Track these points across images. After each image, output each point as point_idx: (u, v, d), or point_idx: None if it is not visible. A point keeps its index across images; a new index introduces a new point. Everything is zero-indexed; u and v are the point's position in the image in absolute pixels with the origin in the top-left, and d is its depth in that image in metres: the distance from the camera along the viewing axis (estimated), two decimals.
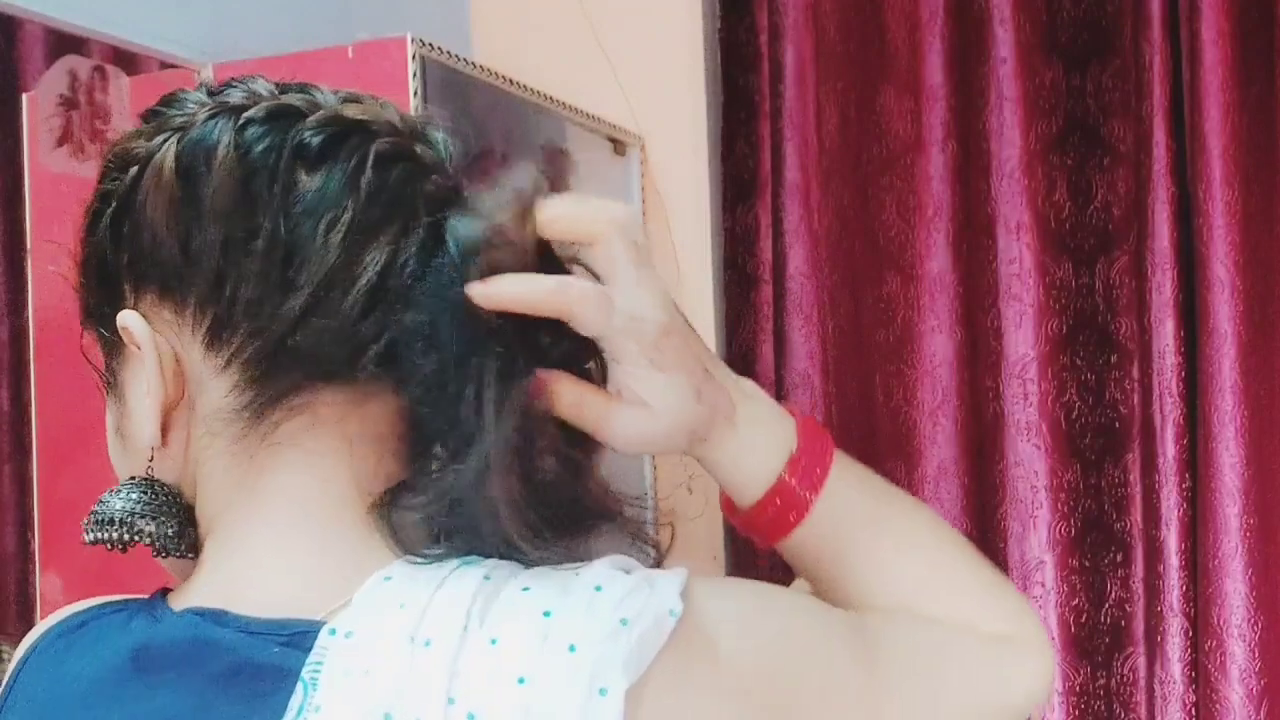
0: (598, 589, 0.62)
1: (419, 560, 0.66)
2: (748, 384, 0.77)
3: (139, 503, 0.69)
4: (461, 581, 0.63)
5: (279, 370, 0.67)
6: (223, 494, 0.69)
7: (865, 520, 0.79)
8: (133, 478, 0.71)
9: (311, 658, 0.61)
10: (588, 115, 2.33)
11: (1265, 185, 2.15)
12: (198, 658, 0.65)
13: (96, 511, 0.70)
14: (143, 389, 0.69)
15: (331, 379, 0.67)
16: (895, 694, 0.72)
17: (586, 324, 0.67)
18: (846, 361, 2.38)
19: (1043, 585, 2.27)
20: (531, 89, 2.16)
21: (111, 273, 0.71)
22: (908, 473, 2.35)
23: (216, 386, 0.68)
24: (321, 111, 0.70)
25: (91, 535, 0.70)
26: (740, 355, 2.43)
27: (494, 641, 0.60)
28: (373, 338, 0.67)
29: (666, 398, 0.69)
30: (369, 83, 1.77)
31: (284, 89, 0.72)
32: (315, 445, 0.68)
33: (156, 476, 0.70)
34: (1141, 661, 2.23)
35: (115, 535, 0.69)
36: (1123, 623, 2.26)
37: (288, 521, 0.68)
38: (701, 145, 2.46)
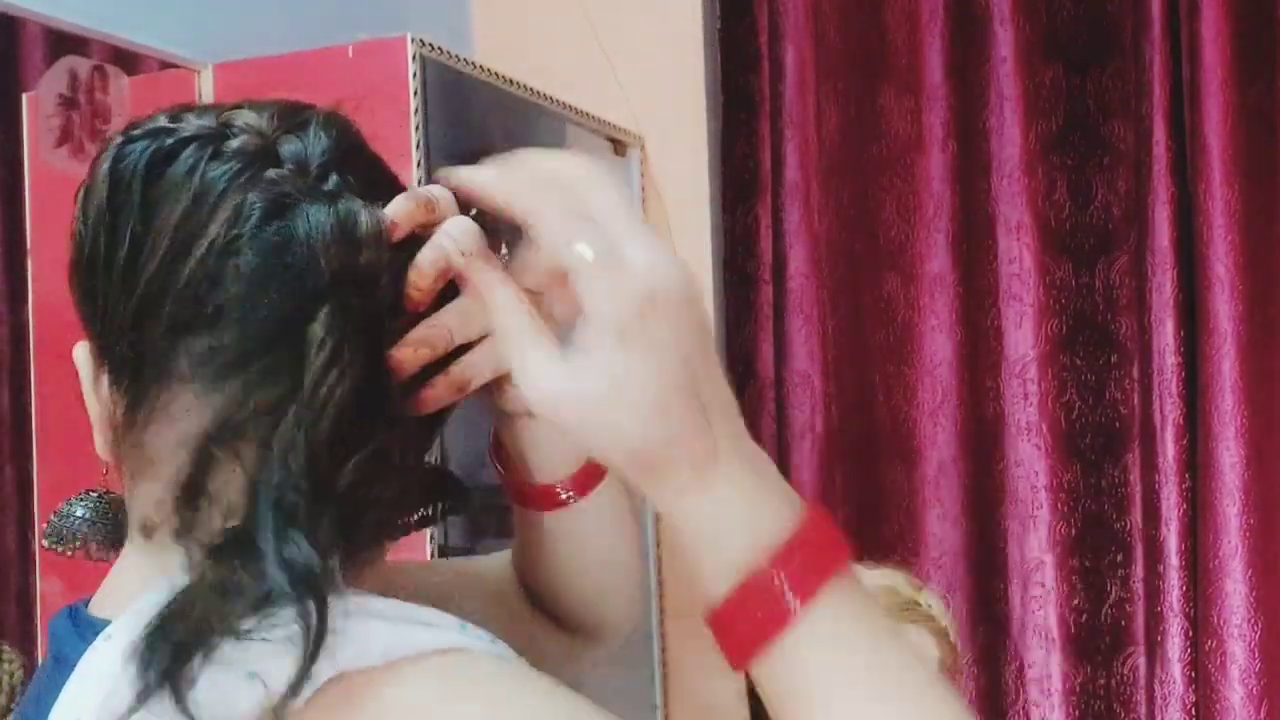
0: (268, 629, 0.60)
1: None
2: (759, 454, 0.61)
3: (85, 514, 0.75)
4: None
5: (136, 374, 0.68)
6: (127, 497, 0.72)
7: (851, 662, 0.60)
8: (86, 490, 0.75)
9: (83, 655, 0.64)
10: (588, 115, 2.33)
11: (1265, 185, 2.15)
12: (50, 648, 0.70)
13: (50, 522, 0.75)
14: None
15: (174, 378, 0.67)
16: None
17: (553, 246, 0.58)
18: (846, 361, 2.38)
19: (1043, 585, 2.27)
20: (531, 89, 2.16)
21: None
22: (908, 473, 2.35)
23: (119, 400, 0.70)
24: (184, 124, 0.70)
25: (47, 543, 0.75)
26: (740, 355, 2.43)
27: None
28: (203, 329, 0.66)
29: (610, 379, 0.56)
30: (369, 83, 1.77)
31: (201, 112, 0.72)
32: (178, 444, 0.68)
33: (108, 488, 0.74)
34: (1141, 661, 2.23)
35: (58, 545, 0.75)
36: (1123, 623, 2.26)
37: (141, 524, 0.70)
38: (701, 145, 2.45)
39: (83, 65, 1.74)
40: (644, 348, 0.56)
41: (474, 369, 0.70)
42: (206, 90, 1.83)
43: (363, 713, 0.59)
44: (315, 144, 0.69)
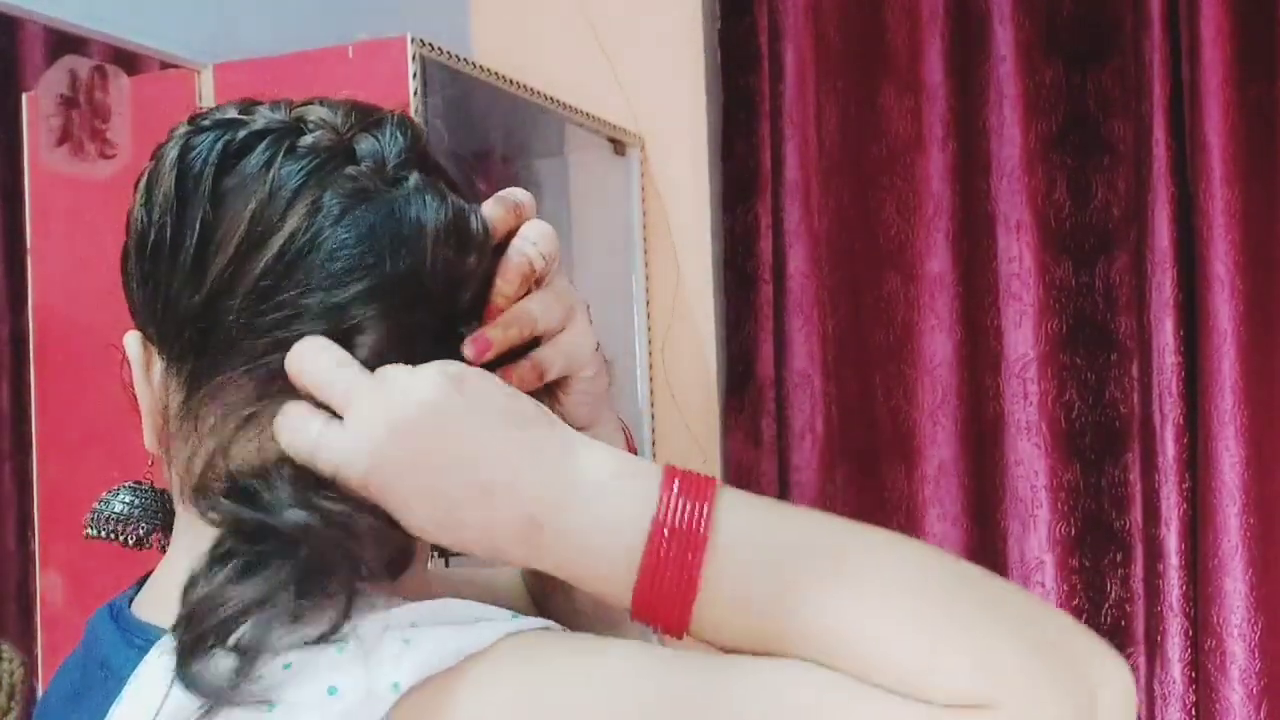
0: (340, 648, 0.59)
1: None
2: (597, 458, 0.63)
3: (127, 504, 0.73)
4: None
5: (199, 364, 0.68)
6: (176, 491, 0.71)
7: (775, 572, 0.60)
8: (133, 483, 0.74)
9: (137, 668, 0.63)
10: (588, 115, 2.33)
11: (1265, 185, 2.15)
12: (89, 649, 0.69)
13: (95, 509, 0.73)
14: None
15: (238, 367, 0.67)
16: None
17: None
18: (846, 361, 2.38)
19: (1043, 585, 2.27)
20: (531, 89, 2.16)
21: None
22: (908, 473, 2.35)
23: (175, 390, 0.69)
24: (256, 117, 0.70)
25: (89, 531, 0.73)
26: (740, 355, 2.43)
27: None
28: (273, 324, 0.66)
29: (393, 505, 0.62)
30: (369, 83, 1.77)
31: (273, 106, 0.72)
32: (236, 433, 0.67)
33: (153, 481, 0.73)
34: (1141, 661, 2.23)
35: (104, 533, 0.73)
36: (1123, 623, 2.26)
37: (190, 524, 0.69)
38: (701, 145, 2.46)
39: (83, 65, 1.74)
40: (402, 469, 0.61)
41: (549, 361, 0.71)
42: (207, 90, 1.84)
43: (458, 709, 0.59)
44: (392, 143, 0.69)
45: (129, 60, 1.80)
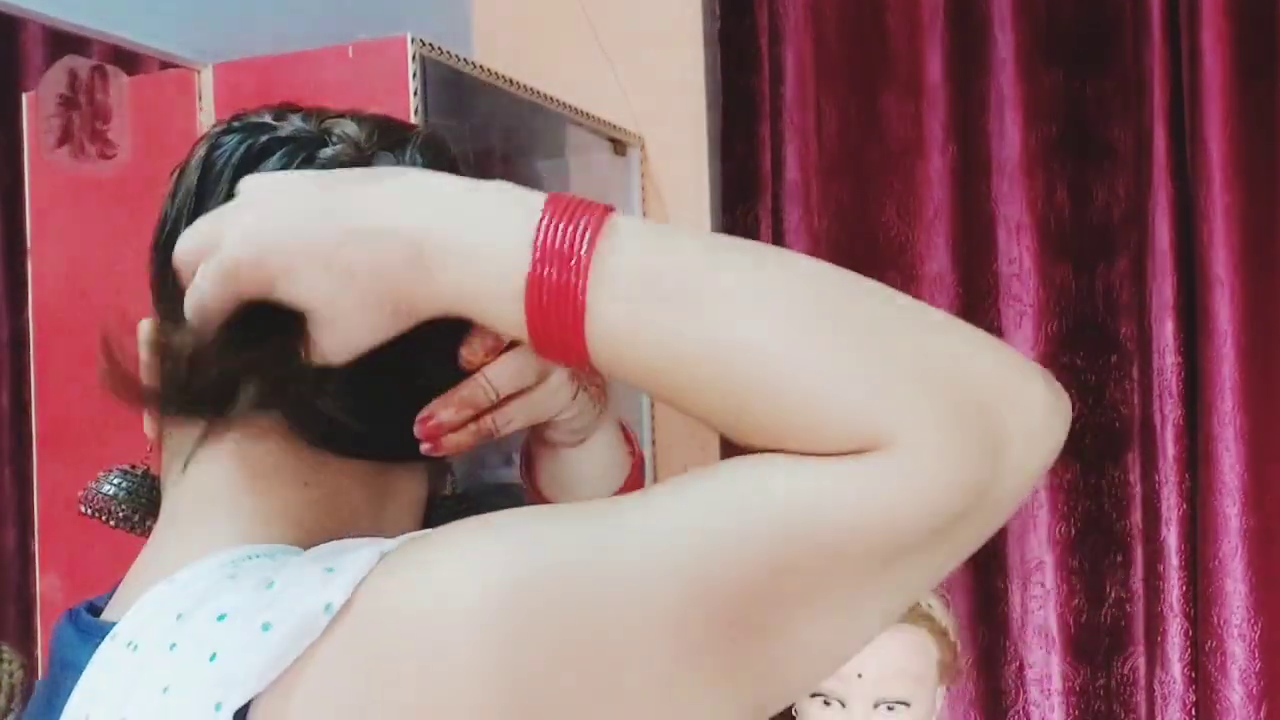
0: (269, 586, 0.58)
1: (241, 555, 0.65)
2: (448, 181, 0.62)
3: (115, 486, 0.75)
4: (200, 582, 0.62)
5: None
6: (165, 481, 0.71)
7: (666, 302, 0.57)
8: (128, 466, 0.76)
9: (90, 658, 0.63)
10: (588, 115, 2.33)
11: (1265, 187, 2.15)
12: (52, 655, 0.69)
13: (88, 487, 0.75)
14: None
15: None
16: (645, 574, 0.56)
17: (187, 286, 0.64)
18: None
19: (1043, 585, 2.27)
20: (532, 89, 2.16)
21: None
22: None
23: None
24: (285, 124, 0.70)
25: (82, 508, 0.75)
26: None
27: (172, 647, 0.58)
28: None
29: (316, 310, 0.61)
30: (369, 83, 1.77)
31: (306, 115, 0.72)
32: (223, 430, 0.68)
33: (149, 468, 0.74)
34: (1141, 661, 2.23)
35: (91, 511, 0.75)
36: (1123, 623, 2.26)
37: (173, 517, 0.69)
38: (701, 145, 2.46)
39: (83, 65, 1.74)
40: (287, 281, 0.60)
41: (506, 419, 0.69)
42: (206, 90, 1.84)
43: (370, 604, 0.57)
44: (408, 164, 0.69)
45: (129, 60, 1.80)
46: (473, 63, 2.03)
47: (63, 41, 1.73)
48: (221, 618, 0.58)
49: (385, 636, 0.56)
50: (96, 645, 0.63)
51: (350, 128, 0.70)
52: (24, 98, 1.75)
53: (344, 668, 0.56)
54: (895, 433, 0.54)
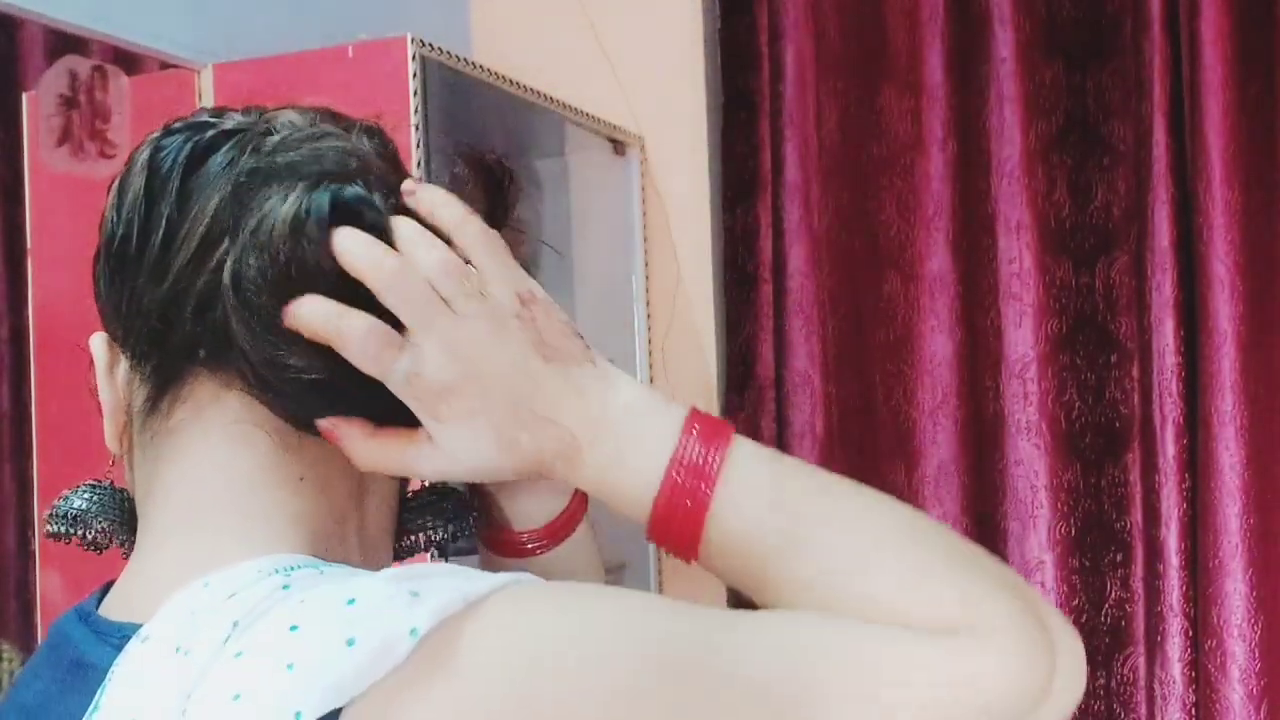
0: (350, 602, 0.59)
1: (270, 562, 0.65)
2: (624, 393, 0.70)
3: (86, 500, 0.74)
4: (253, 590, 0.62)
5: (164, 359, 0.68)
6: (141, 491, 0.71)
7: (778, 509, 0.67)
8: (92, 481, 0.75)
9: (117, 660, 0.63)
10: (588, 115, 2.33)
11: (1265, 185, 2.15)
12: (58, 653, 0.69)
13: (54, 505, 0.74)
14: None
15: (201, 361, 0.68)
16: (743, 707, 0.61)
17: (359, 364, 0.65)
18: (846, 361, 2.38)
19: (1043, 585, 2.27)
20: (531, 89, 2.16)
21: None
22: (908, 473, 2.35)
23: (138, 389, 0.70)
24: (225, 119, 0.71)
25: (49, 528, 0.74)
26: (740, 355, 2.43)
27: (239, 655, 0.58)
28: (218, 322, 0.66)
29: (459, 446, 0.67)
30: (369, 83, 1.77)
31: (246, 110, 0.73)
32: (205, 432, 0.68)
33: (114, 481, 0.74)
34: (1141, 661, 2.23)
35: (62, 528, 0.74)
36: (1123, 623, 2.26)
37: (168, 523, 0.69)
38: (701, 145, 2.46)
39: (83, 65, 1.74)
40: (462, 419, 0.67)
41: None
42: (206, 90, 1.84)
43: (464, 645, 0.59)
44: (355, 144, 0.70)
45: (129, 60, 1.80)
46: (472, 63, 2.03)
47: (63, 41, 1.73)
48: (294, 628, 0.58)
49: (487, 677, 0.59)
50: (117, 646, 0.63)
51: (293, 116, 0.71)
52: (24, 98, 1.75)
53: (436, 697, 0.58)
54: (983, 626, 0.63)
